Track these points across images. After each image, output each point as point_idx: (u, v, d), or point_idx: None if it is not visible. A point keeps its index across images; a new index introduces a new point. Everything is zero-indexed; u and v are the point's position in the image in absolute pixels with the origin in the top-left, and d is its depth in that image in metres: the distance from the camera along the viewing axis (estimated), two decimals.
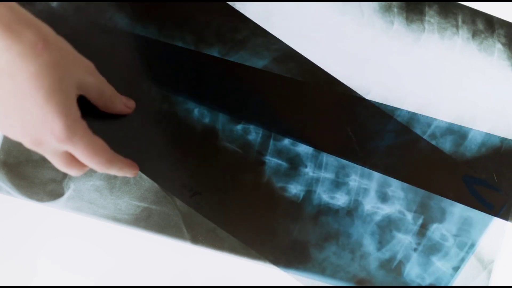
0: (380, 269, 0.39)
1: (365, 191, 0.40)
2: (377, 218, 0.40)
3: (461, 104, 0.41)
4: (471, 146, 0.40)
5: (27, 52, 0.29)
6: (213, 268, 0.41)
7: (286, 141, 0.40)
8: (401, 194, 0.40)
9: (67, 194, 0.41)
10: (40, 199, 0.41)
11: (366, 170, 0.40)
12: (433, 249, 0.39)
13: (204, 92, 0.40)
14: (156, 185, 0.40)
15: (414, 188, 0.40)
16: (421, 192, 0.40)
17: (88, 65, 0.34)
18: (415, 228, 0.39)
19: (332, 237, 0.40)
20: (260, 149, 0.40)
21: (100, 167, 0.34)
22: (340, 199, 0.40)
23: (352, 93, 0.40)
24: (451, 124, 0.40)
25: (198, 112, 0.40)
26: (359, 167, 0.40)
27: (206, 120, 0.40)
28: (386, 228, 0.39)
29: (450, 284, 0.39)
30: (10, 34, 0.29)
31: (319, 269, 0.40)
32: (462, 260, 0.40)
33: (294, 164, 0.40)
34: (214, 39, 0.40)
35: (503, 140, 0.40)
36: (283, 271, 0.40)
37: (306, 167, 0.40)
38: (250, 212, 0.39)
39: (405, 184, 0.40)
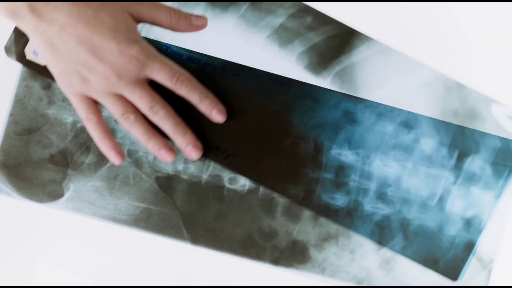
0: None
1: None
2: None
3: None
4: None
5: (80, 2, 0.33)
6: (212, 268, 0.41)
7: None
8: (433, 131, 0.40)
9: (66, 195, 0.41)
10: (40, 200, 0.41)
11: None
12: (472, 180, 0.39)
13: None
14: (155, 185, 0.40)
15: (445, 123, 0.39)
16: (453, 126, 0.39)
17: None
18: (452, 162, 0.39)
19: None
20: None
21: (180, 83, 0.37)
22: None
23: (351, 93, 0.40)
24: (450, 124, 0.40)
25: None
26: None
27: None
28: (423, 165, 0.39)
29: (491, 215, 0.39)
30: None
31: (319, 269, 0.40)
32: (502, 187, 0.39)
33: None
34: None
35: (503, 140, 0.40)
36: (283, 271, 0.40)
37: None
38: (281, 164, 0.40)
39: (436, 120, 0.39)
